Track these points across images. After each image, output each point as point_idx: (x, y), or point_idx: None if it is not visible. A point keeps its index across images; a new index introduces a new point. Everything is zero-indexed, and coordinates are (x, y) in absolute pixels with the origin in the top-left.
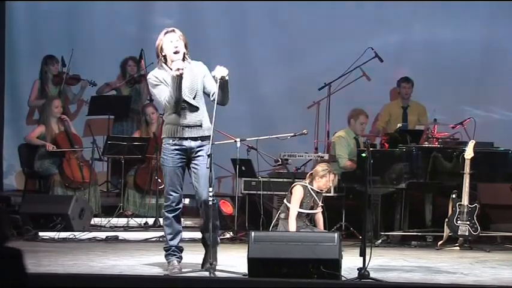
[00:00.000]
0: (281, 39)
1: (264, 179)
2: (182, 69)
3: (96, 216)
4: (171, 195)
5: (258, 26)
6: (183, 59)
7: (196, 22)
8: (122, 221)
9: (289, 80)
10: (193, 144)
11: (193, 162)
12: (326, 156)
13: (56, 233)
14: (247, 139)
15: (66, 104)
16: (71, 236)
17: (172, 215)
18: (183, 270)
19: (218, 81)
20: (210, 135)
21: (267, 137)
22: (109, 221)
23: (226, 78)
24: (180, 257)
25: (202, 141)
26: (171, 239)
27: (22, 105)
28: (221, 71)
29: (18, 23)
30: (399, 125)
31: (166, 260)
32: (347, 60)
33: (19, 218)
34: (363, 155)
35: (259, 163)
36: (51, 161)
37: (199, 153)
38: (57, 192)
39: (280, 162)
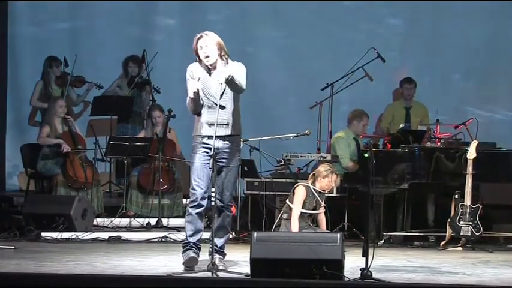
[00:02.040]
0: (283, 40)
1: (267, 180)
2: (195, 92)
3: (98, 216)
4: (195, 190)
5: (261, 26)
6: (221, 60)
7: (199, 22)
8: (125, 222)
9: (292, 81)
10: (220, 144)
11: (220, 164)
12: (328, 157)
13: (58, 233)
14: (250, 139)
15: (69, 105)
16: (73, 237)
17: (196, 211)
18: (195, 268)
19: (223, 83)
20: (237, 135)
21: (270, 137)
22: (111, 221)
23: (230, 78)
24: (197, 253)
25: (230, 142)
26: (191, 235)
27: (25, 105)
28: (223, 75)
29: (21, 23)
30: (402, 125)
31: (183, 255)
32: (350, 60)
33: (22, 218)
34: (365, 155)
35: (261, 163)
36: (54, 161)
37: (225, 156)
38: (60, 192)
39: (282, 163)
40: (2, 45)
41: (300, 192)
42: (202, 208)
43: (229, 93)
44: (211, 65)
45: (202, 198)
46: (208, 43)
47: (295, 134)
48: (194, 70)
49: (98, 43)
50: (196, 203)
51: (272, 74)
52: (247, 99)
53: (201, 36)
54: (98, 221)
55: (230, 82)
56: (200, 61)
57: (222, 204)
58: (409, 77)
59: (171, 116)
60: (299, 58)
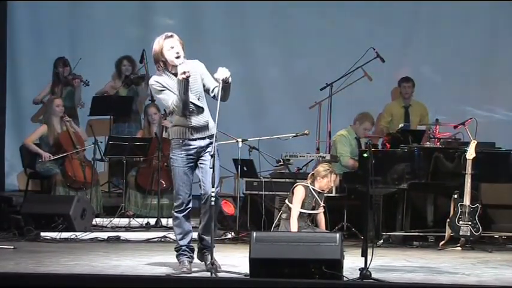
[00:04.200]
0: (283, 39)
1: (266, 179)
2: (188, 72)
3: (97, 216)
4: (181, 195)
5: (260, 26)
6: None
7: (198, 22)
8: (124, 221)
9: (291, 80)
10: (202, 143)
11: (201, 158)
12: (328, 157)
13: (57, 233)
14: (249, 139)
15: (76, 105)
16: (72, 237)
17: (182, 215)
18: (192, 270)
19: (221, 83)
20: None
21: (269, 137)
22: (111, 221)
23: (229, 80)
24: (191, 257)
25: (210, 139)
26: (181, 239)
27: (24, 105)
28: (223, 73)
29: (20, 23)
30: (401, 125)
31: (178, 260)
32: (349, 60)
33: (21, 218)
34: (365, 155)
35: (261, 163)
36: (53, 161)
37: (207, 150)
38: (59, 192)
39: (281, 163)
40: (1, 45)
41: (299, 192)
42: (188, 211)
43: (202, 94)
44: (175, 66)
45: (188, 202)
46: (178, 43)
47: (294, 134)
48: (161, 80)
49: (97, 43)
50: (182, 208)
51: (271, 74)
52: (247, 99)
53: (171, 36)
54: (97, 220)
55: (227, 86)
56: (165, 68)
57: (207, 195)
58: (407, 76)
59: (167, 114)
60: (299, 58)
